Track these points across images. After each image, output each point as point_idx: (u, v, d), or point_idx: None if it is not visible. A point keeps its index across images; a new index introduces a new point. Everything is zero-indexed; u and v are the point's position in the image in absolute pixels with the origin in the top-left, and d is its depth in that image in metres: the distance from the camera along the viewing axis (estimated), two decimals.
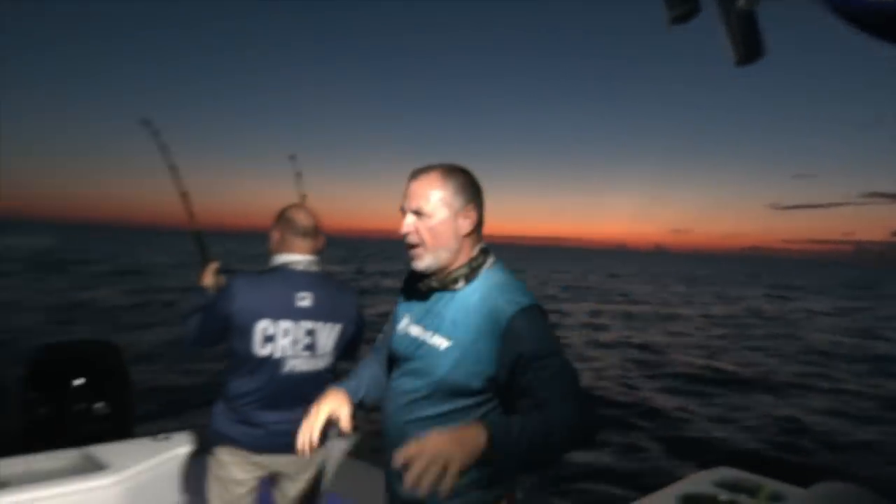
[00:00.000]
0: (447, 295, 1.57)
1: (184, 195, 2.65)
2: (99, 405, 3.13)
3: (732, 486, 1.77)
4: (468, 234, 1.56)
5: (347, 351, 2.34)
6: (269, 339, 2.08)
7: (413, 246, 1.55)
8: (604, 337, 16.50)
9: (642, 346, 15.21)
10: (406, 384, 1.57)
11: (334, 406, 1.60)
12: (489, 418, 1.49)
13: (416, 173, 1.56)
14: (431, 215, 1.52)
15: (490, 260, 1.60)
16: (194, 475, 2.72)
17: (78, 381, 3.14)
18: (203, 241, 2.59)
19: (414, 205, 1.53)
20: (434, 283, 1.58)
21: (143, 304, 19.44)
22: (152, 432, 2.83)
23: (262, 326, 2.08)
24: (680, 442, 8.26)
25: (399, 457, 1.14)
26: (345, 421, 1.60)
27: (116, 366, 3.29)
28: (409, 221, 1.54)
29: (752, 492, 1.70)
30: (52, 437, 3.02)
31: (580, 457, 7.35)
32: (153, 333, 12.71)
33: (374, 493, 2.40)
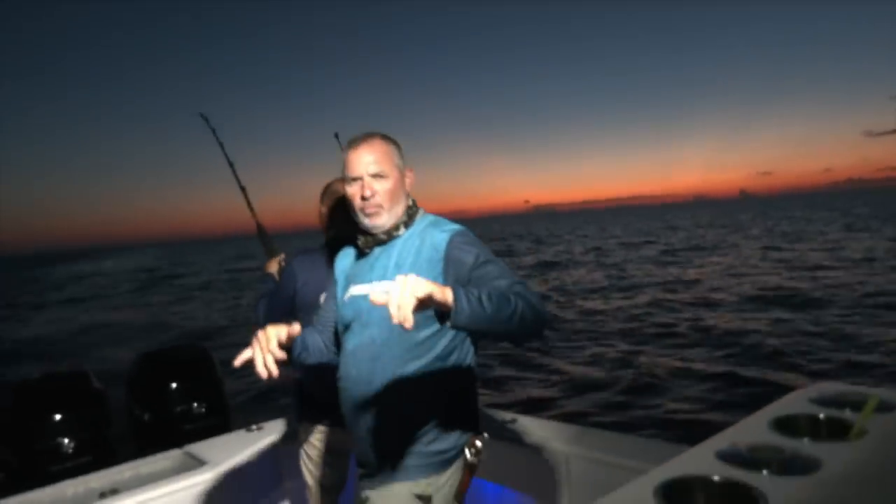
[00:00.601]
0: (386, 247, 1.70)
1: (243, 189, 2.75)
2: (196, 404, 3.28)
3: (833, 402, 1.54)
4: (409, 191, 1.74)
5: None
6: None
7: (372, 207, 1.65)
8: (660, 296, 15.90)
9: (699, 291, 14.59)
10: (363, 339, 1.64)
11: (279, 331, 1.52)
12: (438, 366, 1.61)
13: (362, 140, 1.68)
14: (388, 177, 1.66)
15: (421, 209, 1.77)
16: (289, 460, 2.79)
17: (174, 385, 3.29)
18: (264, 232, 2.67)
19: (373, 169, 1.65)
20: (382, 236, 1.69)
21: (233, 307, 20.46)
22: (247, 424, 2.93)
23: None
24: (773, 365, 7.95)
25: (374, 297, 1.20)
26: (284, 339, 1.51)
27: (207, 366, 3.43)
28: (374, 185, 1.64)
29: (856, 405, 1.44)
30: (157, 440, 3.19)
31: (673, 389, 7.21)
32: (240, 334, 13.32)
33: (515, 474, 2.39)
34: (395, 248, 1.68)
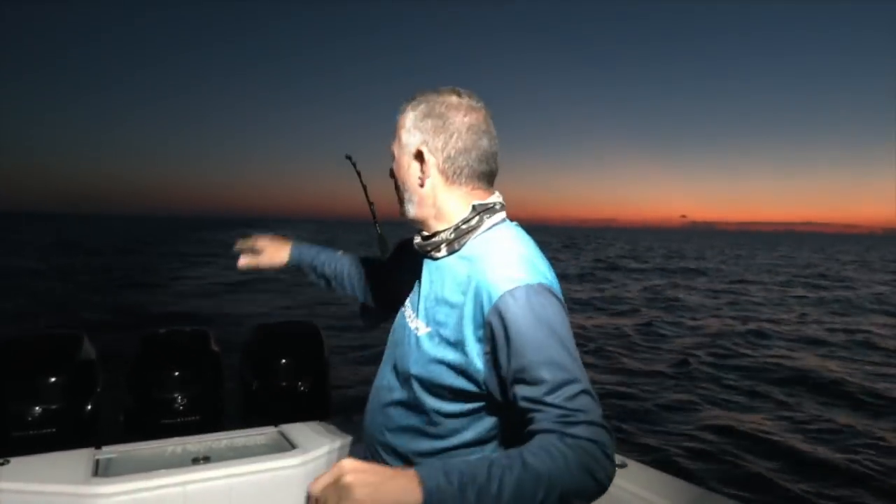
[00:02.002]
0: (432, 265, 1.29)
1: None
2: (300, 383, 3.32)
3: None
4: (425, 185, 1.24)
5: None
6: None
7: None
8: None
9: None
10: (385, 378, 1.34)
11: (266, 244, 1.70)
12: (459, 457, 1.18)
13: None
14: (395, 158, 1.32)
15: (491, 221, 1.24)
16: None
17: (283, 360, 3.36)
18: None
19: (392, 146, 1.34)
20: (426, 247, 1.29)
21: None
22: (345, 413, 2.90)
23: None
24: None
25: (312, 486, 0.90)
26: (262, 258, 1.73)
27: (317, 345, 3.46)
28: (393, 167, 1.36)
29: None
30: (260, 411, 3.27)
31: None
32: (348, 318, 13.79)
33: None
34: (440, 272, 1.27)
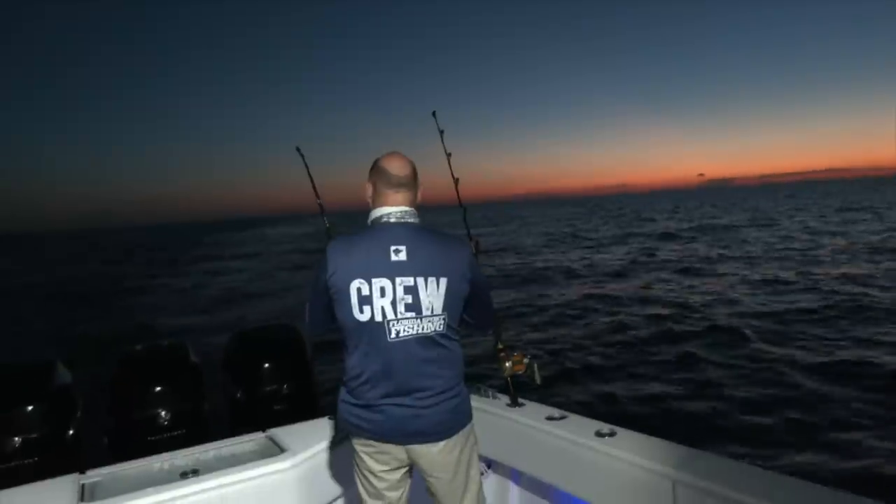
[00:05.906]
0: None
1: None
2: (286, 386, 3.43)
3: None
4: None
5: (471, 316, 2.19)
6: (365, 300, 2.01)
7: None
8: None
9: None
10: None
11: None
12: None
13: None
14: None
15: None
16: None
17: (266, 365, 3.47)
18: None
19: None
20: None
21: None
22: (333, 410, 3.01)
23: (356, 287, 2.01)
24: None
25: None
26: None
27: (298, 347, 3.57)
28: None
29: None
30: (247, 418, 3.39)
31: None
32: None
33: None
34: None
